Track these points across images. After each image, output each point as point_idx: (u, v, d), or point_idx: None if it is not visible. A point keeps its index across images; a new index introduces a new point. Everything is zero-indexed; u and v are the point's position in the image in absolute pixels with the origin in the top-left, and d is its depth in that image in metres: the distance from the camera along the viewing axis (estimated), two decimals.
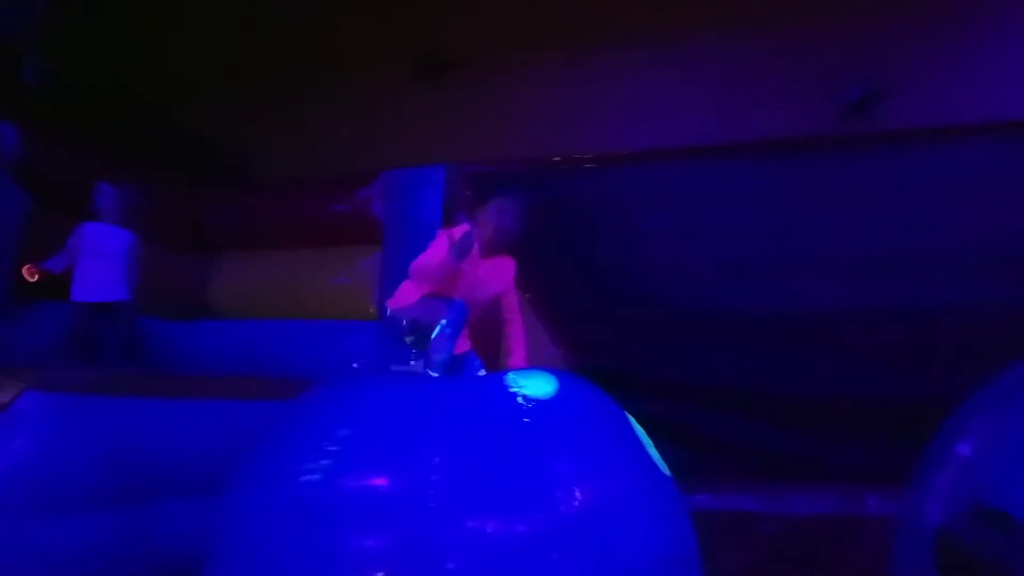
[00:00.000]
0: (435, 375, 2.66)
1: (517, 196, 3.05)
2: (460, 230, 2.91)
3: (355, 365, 4.59)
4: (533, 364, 2.90)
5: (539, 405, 2.18)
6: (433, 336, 2.72)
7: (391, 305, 3.07)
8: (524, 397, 2.19)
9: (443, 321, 2.73)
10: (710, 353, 4.42)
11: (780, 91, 4.87)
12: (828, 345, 4.20)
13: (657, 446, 2.48)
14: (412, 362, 2.83)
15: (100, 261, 4.10)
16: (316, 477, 2.08)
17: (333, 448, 2.12)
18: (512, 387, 2.25)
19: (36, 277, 4.00)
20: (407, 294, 2.97)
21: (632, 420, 2.45)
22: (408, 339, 2.90)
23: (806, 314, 4.19)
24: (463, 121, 5.52)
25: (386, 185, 4.94)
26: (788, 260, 4.20)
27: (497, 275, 2.96)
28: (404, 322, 2.93)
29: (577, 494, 2.03)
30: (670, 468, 2.43)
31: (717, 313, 4.34)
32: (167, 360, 4.79)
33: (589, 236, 4.43)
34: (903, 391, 4.02)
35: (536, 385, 2.26)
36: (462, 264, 2.82)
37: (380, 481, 2.03)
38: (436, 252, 2.84)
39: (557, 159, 4.71)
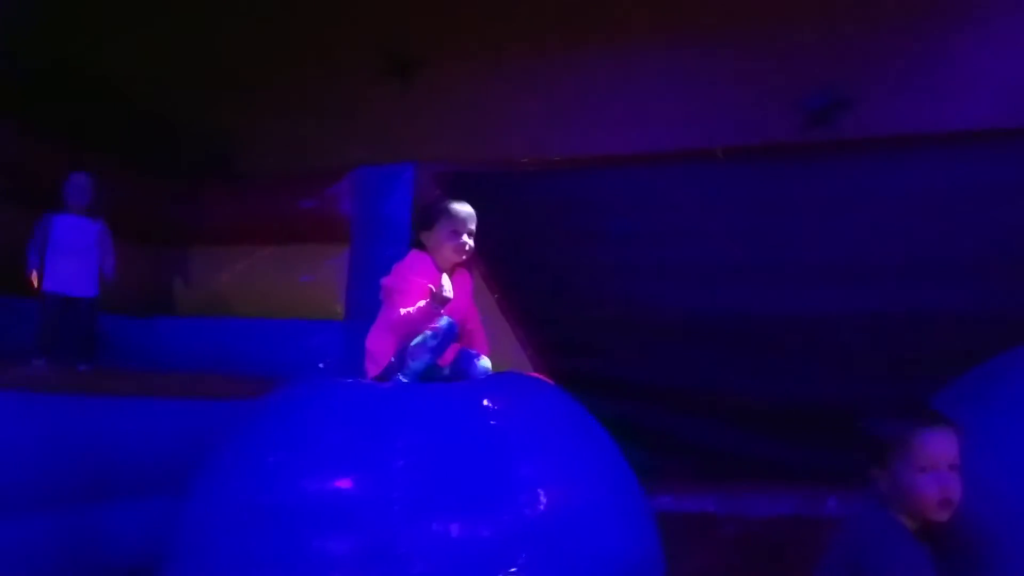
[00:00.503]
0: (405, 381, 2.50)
1: (468, 209, 2.83)
2: (426, 271, 2.71)
3: (321, 365, 4.55)
4: (499, 367, 2.87)
5: (504, 408, 2.17)
6: (413, 343, 2.53)
7: (372, 374, 2.66)
8: (489, 400, 2.18)
9: (428, 333, 2.54)
10: (674, 356, 4.46)
11: (744, 100, 4.91)
12: (790, 349, 4.26)
13: (622, 448, 2.50)
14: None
15: (72, 254, 3.98)
16: (278, 478, 2.06)
17: (296, 449, 2.10)
18: (477, 390, 2.25)
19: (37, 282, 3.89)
20: (385, 348, 2.60)
21: (597, 422, 2.45)
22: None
23: (768, 318, 4.24)
24: (433, 120, 5.48)
25: (354, 183, 4.90)
26: (750, 265, 4.24)
27: (460, 290, 2.78)
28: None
29: (542, 496, 2.03)
30: (634, 470, 2.45)
31: (680, 317, 4.38)
32: (128, 357, 4.70)
33: (555, 238, 4.44)
34: (863, 394, 4.08)
35: (501, 388, 2.26)
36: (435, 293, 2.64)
37: (344, 483, 2.01)
38: (414, 300, 2.60)
39: (525, 160, 4.71)
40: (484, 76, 5.50)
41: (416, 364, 2.48)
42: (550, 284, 4.44)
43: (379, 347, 2.61)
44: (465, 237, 2.70)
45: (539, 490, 2.04)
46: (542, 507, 2.02)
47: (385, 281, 2.70)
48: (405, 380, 2.44)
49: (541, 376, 2.95)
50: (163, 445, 3.41)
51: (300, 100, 5.71)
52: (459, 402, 2.20)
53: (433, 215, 2.73)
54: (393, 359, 2.54)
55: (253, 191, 5.32)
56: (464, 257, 2.73)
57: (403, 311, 2.53)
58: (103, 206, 4.18)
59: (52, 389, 3.17)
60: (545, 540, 1.99)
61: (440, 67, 5.63)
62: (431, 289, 2.57)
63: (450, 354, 2.63)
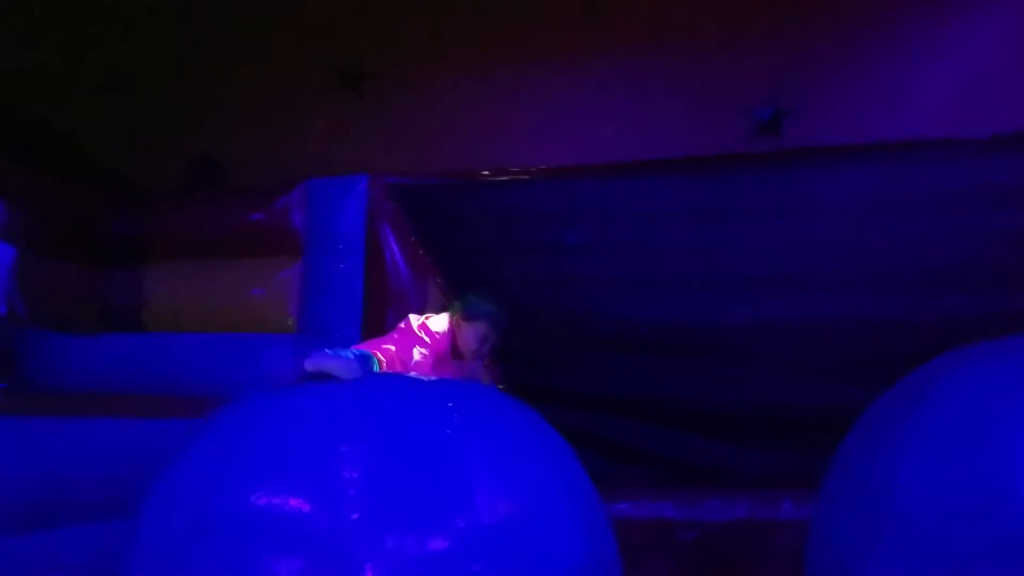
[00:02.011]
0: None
1: (502, 321, 2.91)
2: (443, 344, 2.76)
3: (274, 378, 4.47)
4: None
5: (459, 418, 2.16)
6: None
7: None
8: (445, 409, 2.17)
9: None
10: (627, 365, 4.49)
11: (692, 111, 5.00)
12: (741, 356, 4.32)
13: (579, 456, 2.50)
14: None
15: None
16: (228, 497, 2.01)
17: (245, 466, 2.06)
18: (432, 400, 2.23)
19: None
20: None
21: (553, 431, 2.46)
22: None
23: (719, 326, 4.30)
24: (386, 132, 5.46)
25: (306, 195, 4.84)
26: (700, 274, 4.30)
27: (461, 372, 2.87)
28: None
29: (498, 506, 2.02)
30: (591, 477, 2.45)
31: (633, 326, 4.41)
32: (72, 377, 4.56)
33: (509, 250, 4.45)
34: (811, 399, 4.17)
35: (456, 398, 2.25)
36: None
37: (295, 499, 1.97)
38: (407, 348, 2.65)
39: (478, 172, 4.72)
40: (436, 88, 5.49)
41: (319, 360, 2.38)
42: (504, 296, 4.44)
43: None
44: (489, 349, 2.90)
45: (495, 499, 2.03)
46: (498, 516, 2.01)
47: (413, 321, 2.81)
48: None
49: (496, 386, 2.97)
50: (110, 467, 3.31)
51: (250, 112, 5.64)
52: (414, 413, 2.18)
53: (476, 312, 2.88)
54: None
55: (202, 204, 5.22)
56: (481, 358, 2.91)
57: (390, 347, 2.63)
58: (35, 225, 4.05)
59: None
60: (502, 549, 1.99)
61: (392, 79, 5.61)
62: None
63: None
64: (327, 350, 2.38)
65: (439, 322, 2.84)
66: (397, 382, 2.43)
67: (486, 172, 4.67)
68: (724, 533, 3.97)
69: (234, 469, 2.07)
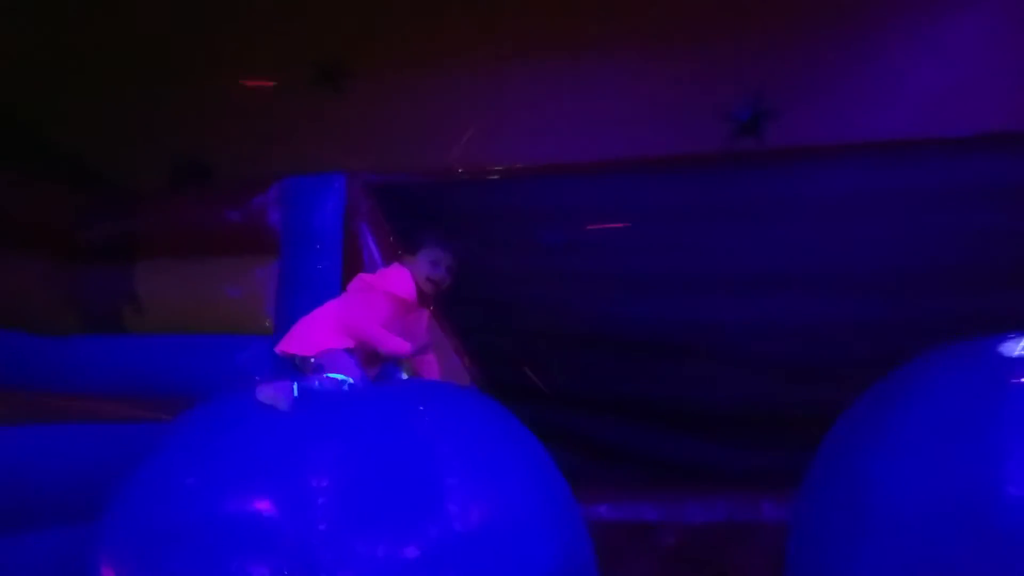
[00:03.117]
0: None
1: (447, 246, 2.85)
2: (399, 279, 2.67)
3: (256, 379, 4.40)
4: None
5: (432, 420, 2.12)
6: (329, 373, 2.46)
7: (290, 348, 2.64)
8: (416, 412, 2.12)
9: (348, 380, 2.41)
10: (607, 364, 4.46)
11: (674, 111, 4.99)
12: (720, 356, 4.31)
13: (555, 456, 2.46)
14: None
15: None
16: (194, 501, 1.96)
17: (212, 468, 2.00)
18: (404, 402, 2.19)
19: None
20: (324, 337, 2.55)
21: (527, 431, 2.42)
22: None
23: (699, 326, 4.29)
24: (364, 130, 5.41)
25: (283, 193, 4.76)
26: (682, 274, 4.28)
27: (420, 323, 2.78)
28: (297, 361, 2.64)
29: (471, 510, 1.98)
30: (568, 478, 2.42)
31: (613, 325, 4.39)
32: (42, 378, 4.47)
33: (488, 248, 4.41)
34: (791, 399, 4.16)
35: (429, 399, 2.20)
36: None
37: (263, 504, 1.92)
38: (375, 315, 2.58)
39: (459, 171, 4.67)
40: (417, 85, 5.45)
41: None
42: (484, 294, 4.41)
43: (320, 334, 2.55)
44: (444, 271, 2.73)
45: (468, 503, 1.98)
46: (472, 520, 1.97)
47: (370, 279, 2.67)
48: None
49: (470, 385, 2.92)
50: (79, 471, 3.23)
51: (226, 108, 5.57)
52: (386, 415, 2.13)
53: (417, 243, 2.75)
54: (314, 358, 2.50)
55: (178, 203, 5.14)
56: (438, 289, 2.74)
57: (372, 329, 2.52)
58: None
59: None
60: (475, 554, 1.94)
61: (371, 76, 5.56)
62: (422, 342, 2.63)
63: (373, 372, 2.61)
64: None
65: (400, 276, 2.73)
66: (368, 385, 2.38)
67: (464, 170, 4.63)
68: (703, 534, 3.95)
69: (200, 474, 2.01)
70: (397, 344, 2.57)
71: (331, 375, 2.41)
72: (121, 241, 5.14)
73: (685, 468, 4.37)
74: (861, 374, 2.68)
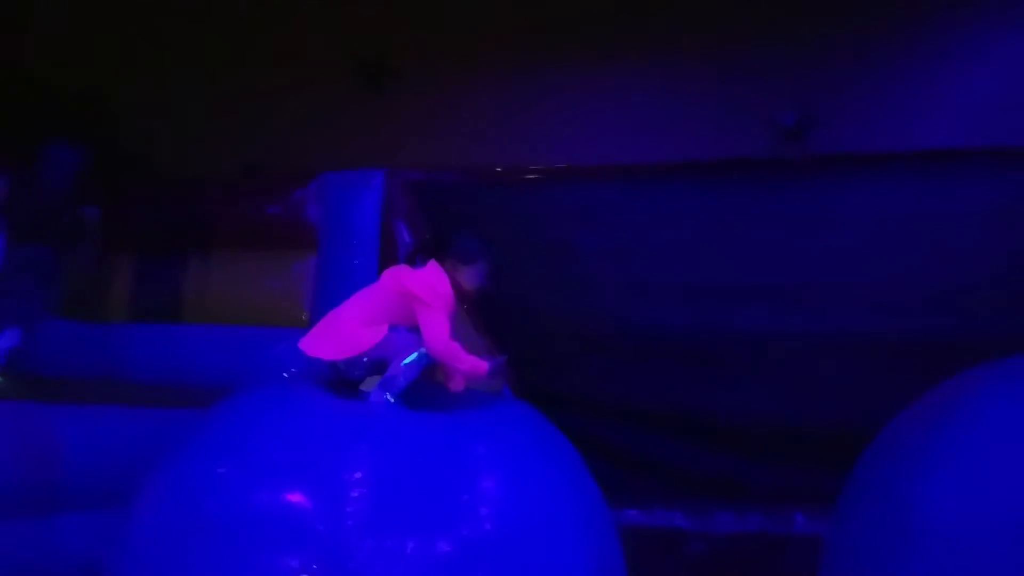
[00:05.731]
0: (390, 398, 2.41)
1: (484, 246, 2.85)
2: (436, 279, 2.68)
3: (286, 374, 4.44)
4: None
5: (466, 422, 2.11)
6: (406, 362, 2.40)
7: (327, 355, 2.57)
8: (451, 414, 2.12)
9: (421, 353, 2.41)
10: (642, 373, 4.40)
11: (717, 116, 4.96)
12: (758, 368, 4.23)
13: (588, 464, 2.44)
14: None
15: None
16: (227, 490, 1.97)
17: (246, 460, 2.01)
18: (439, 404, 2.18)
19: None
20: (366, 337, 2.52)
21: (560, 436, 2.40)
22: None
23: (738, 336, 4.21)
24: (405, 128, 5.45)
25: (322, 188, 4.79)
26: (721, 282, 4.21)
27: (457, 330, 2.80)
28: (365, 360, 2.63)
29: (503, 512, 1.97)
30: (600, 486, 2.39)
31: (649, 334, 4.33)
32: (85, 365, 4.55)
33: (525, 250, 4.38)
34: (830, 414, 4.07)
35: (464, 402, 2.19)
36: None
37: (296, 496, 1.92)
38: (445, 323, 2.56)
39: (497, 170, 4.66)
40: (459, 85, 5.48)
41: (403, 383, 2.39)
42: (519, 297, 4.39)
43: (361, 333, 2.52)
44: (480, 271, 2.78)
45: (500, 505, 1.97)
46: (503, 522, 1.95)
47: (415, 290, 2.61)
48: (391, 399, 2.34)
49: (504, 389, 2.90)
50: (116, 455, 3.28)
51: (271, 105, 5.65)
52: (418, 414, 2.13)
53: (475, 254, 2.78)
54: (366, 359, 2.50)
55: (219, 196, 5.20)
56: (474, 290, 2.78)
57: (453, 348, 2.49)
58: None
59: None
60: (505, 555, 1.93)
61: (414, 76, 5.60)
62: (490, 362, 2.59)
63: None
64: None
65: (441, 279, 2.71)
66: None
67: (503, 170, 4.61)
68: (735, 546, 3.90)
69: (235, 465, 2.02)
70: (475, 363, 2.53)
71: (406, 361, 2.41)
72: (165, 232, 5.22)
73: (715, 480, 4.30)
74: (897, 392, 2.63)
